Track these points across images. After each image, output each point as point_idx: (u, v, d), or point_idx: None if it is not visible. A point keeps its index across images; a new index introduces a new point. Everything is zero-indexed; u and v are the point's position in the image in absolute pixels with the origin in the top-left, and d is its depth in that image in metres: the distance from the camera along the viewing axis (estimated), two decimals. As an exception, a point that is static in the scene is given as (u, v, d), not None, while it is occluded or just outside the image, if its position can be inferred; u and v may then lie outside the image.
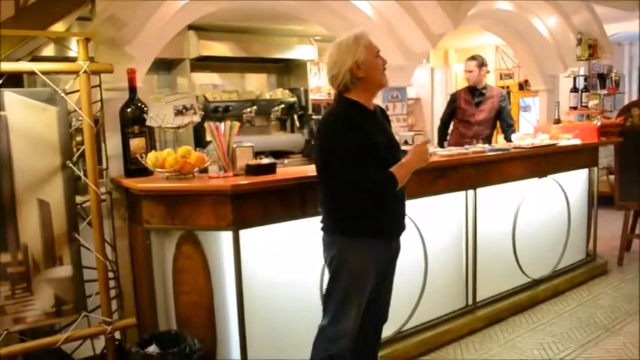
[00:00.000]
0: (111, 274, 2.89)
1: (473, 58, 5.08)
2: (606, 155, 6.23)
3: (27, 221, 2.60)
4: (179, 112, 2.89)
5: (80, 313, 2.75)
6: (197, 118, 2.95)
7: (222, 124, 2.82)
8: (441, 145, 5.17)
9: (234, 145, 2.83)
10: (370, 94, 2.49)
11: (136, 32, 3.02)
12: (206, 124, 2.89)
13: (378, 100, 3.30)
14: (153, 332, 2.77)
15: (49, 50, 4.12)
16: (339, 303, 2.43)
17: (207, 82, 6.19)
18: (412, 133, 3.59)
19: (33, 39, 2.85)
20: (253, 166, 2.78)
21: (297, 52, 6.28)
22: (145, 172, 2.90)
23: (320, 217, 2.53)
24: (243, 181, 2.63)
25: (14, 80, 2.80)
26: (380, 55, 2.46)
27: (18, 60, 2.72)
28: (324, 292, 2.51)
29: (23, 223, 2.59)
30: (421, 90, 8.89)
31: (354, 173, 2.29)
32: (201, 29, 5.46)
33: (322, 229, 2.50)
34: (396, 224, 2.55)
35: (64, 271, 2.71)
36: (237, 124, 2.85)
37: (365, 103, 2.45)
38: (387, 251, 2.54)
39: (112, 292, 2.90)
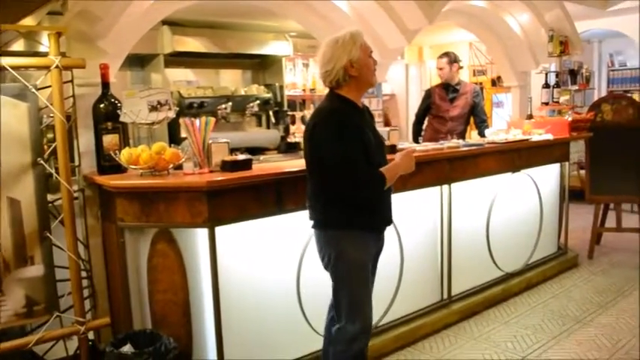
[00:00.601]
0: (84, 274, 2.85)
1: (444, 55, 5.12)
2: (577, 150, 6.37)
3: (-3, 220, 2.54)
4: (154, 108, 2.85)
5: (52, 314, 2.70)
6: (172, 114, 2.92)
7: (198, 120, 2.79)
8: (415, 140, 5.21)
9: (210, 141, 2.81)
10: (360, 92, 2.52)
11: (109, 27, 2.97)
12: (181, 120, 2.86)
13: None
14: (127, 332, 2.73)
15: (18, 45, 4.04)
16: (350, 303, 2.45)
17: (182, 78, 6.11)
18: (388, 129, 3.60)
19: (2, 33, 2.78)
20: (229, 162, 2.76)
21: (273, 47, 6.25)
22: (118, 169, 2.85)
23: (307, 214, 2.53)
24: (219, 177, 2.61)
25: (-18, 76, 2.74)
26: (372, 56, 2.49)
27: (-14, 55, 2.66)
28: (332, 296, 2.52)
29: (-7, 221, 2.53)
30: (396, 86, 8.96)
31: (345, 169, 2.30)
32: (175, 24, 5.39)
33: (314, 225, 2.50)
34: (384, 218, 2.58)
35: (36, 270, 2.66)
36: (212, 119, 2.82)
37: (355, 101, 2.47)
38: (376, 245, 2.57)
39: (85, 292, 2.86)
